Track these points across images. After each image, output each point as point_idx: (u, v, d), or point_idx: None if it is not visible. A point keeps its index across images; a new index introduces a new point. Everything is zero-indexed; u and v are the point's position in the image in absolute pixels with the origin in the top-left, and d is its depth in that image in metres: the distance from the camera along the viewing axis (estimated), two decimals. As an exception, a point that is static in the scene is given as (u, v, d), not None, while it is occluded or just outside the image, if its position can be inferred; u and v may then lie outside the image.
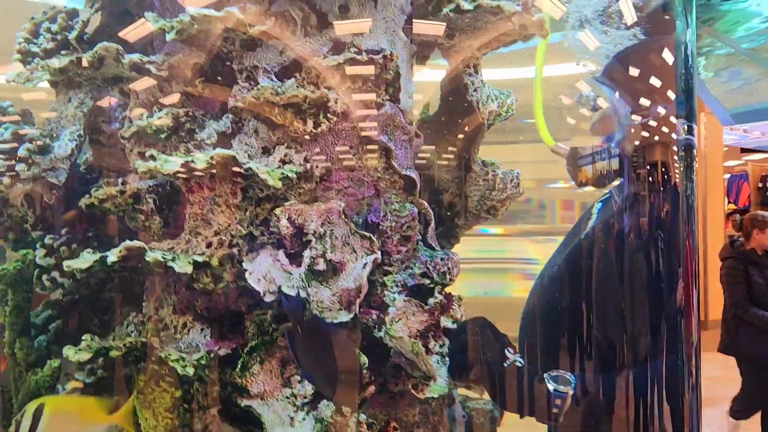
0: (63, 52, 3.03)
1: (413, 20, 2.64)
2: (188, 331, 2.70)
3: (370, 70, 2.53)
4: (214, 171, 2.48)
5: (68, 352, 2.54)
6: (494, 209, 3.12)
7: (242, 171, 2.45)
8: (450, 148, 3.13)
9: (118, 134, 2.84)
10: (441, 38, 2.84)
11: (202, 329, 2.69)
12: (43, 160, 2.94)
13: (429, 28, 2.64)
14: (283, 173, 2.47)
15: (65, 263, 2.49)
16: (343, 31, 2.55)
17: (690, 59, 2.64)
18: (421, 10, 2.78)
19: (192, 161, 2.41)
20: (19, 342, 2.73)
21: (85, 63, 2.56)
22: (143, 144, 2.81)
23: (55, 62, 2.57)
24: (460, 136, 3.07)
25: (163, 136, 2.66)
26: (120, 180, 2.86)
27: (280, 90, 2.51)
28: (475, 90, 2.96)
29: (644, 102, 2.58)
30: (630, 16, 2.60)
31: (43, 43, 3.04)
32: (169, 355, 2.50)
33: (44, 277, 3.00)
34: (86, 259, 2.45)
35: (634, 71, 2.59)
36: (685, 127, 2.57)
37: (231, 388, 2.55)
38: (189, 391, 2.72)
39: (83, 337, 2.63)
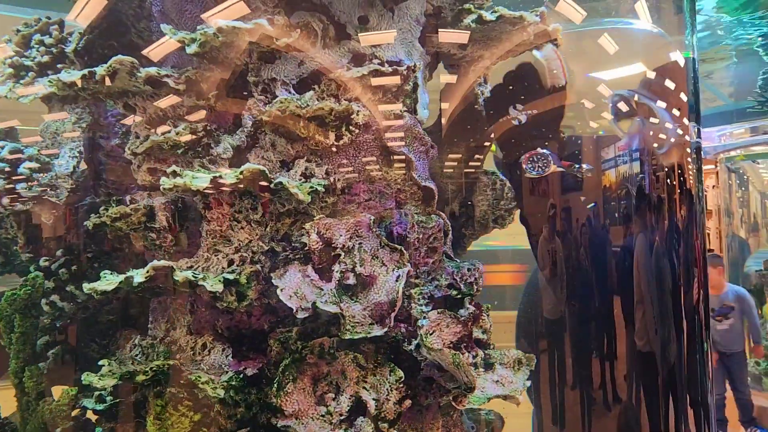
0: (59, 65, 2.91)
1: (439, 30, 2.64)
2: (209, 352, 2.62)
3: (395, 80, 2.52)
4: (242, 186, 2.41)
5: (91, 378, 2.42)
6: (502, 219, 3.15)
7: (271, 186, 2.39)
8: (457, 159, 3.15)
9: (126, 150, 2.73)
10: (453, 48, 2.85)
11: (223, 349, 2.61)
12: (43, 178, 2.80)
13: (454, 36, 2.64)
14: (311, 187, 2.43)
15: (86, 286, 2.37)
16: (367, 43, 2.53)
17: (696, 62, 2.74)
18: (437, 21, 2.80)
19: (221, 177, 2.34)
20: (29, 371, 2.58)
21: (97, 77, 2.45)
22: (153, 160, 2.72)
23: (66, 76, 2.45)
24: (469, 145, 3.08)
25: (180, 151, 2.58)
26: (128, 198, 2.75)
27: (305, 103, 2.47)
28: (483, 99, 2.98)
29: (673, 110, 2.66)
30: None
31: (37, 56, 2.90)
32: (199, 377, 2.41)
33: (43, 301, 2.86)
34: (111, 280, 2.34)
35: (669, 82, 2.66)
36: (696, 129, 2.66)
37: (262, 409, 2.48)
38: (209, 414, 2.63)
39: (102, 362, 2.52)
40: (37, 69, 2.85)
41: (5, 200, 2.71)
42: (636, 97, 2.86)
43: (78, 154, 2.86)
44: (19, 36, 3.01)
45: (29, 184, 2.73)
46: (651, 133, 2.74)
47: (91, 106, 2.95)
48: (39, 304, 2.69)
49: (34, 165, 2.73)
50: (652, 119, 2.74)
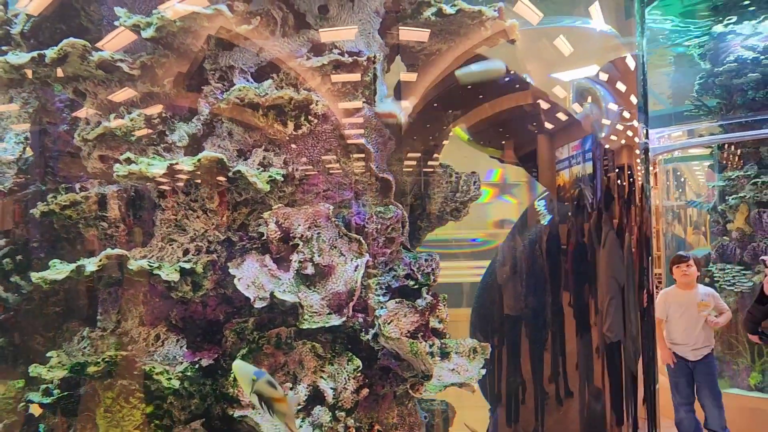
0: (3, 47, 2.80)
1: (400, 27, 2.65)
2: (162, 343, 2.56)
3: (355, 71, 2.52)
4: (199, 174, 2.37)
5: (39, 370, 2.34)
6: (457, 211, 3.19)
7: (229, 174, 2.36)
8: (412, 151, 3.17)
9: (76, 136, 2.65)
10: (412, 41, 2.87)
11: (177, 340, 2.56)
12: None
13: (414, 34, 2.66)
14: (270, 176, 2.41)
15: (34, 275, 2.29)
16: (328, 39, 2.52)
17: (645, 66, 2.83)
18: (396, 13, 2.81)
19: (177, 164, 2.30)
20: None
21: (47, 60, 2.38)
22: (105, 147, 2.65)
23: (14, 59, 2.36)
24: (426, 138, 3.11)
25: (133, 138, 2.52)
26: (78, 185, 2.68)
27: (264, 91, 2.45)
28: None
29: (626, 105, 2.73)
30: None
31: (-21, 38, 2.80)
32: (153, 368, 2.36)
33: (-14, 292, 2.76)
34: (61, 269, 2.27)
35: (620, 75, 2.74)
36: (645, 131, 2.74)
37: (217, 399, 2.45)
38: (161, 406, 2.58)
39: (51, 354, 2.44)
40: (-21, 51, 2.74)
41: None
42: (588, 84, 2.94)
43: (24, 140, 2.76)
44: (-40, 17, 2.89)
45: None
46: (599, 119, 2.81)
47: (38, 91, 2.85)
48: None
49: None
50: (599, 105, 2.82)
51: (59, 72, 2.60)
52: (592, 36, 2.82)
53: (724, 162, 9.32)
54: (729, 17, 7.75)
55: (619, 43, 2.89)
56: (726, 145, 9.24)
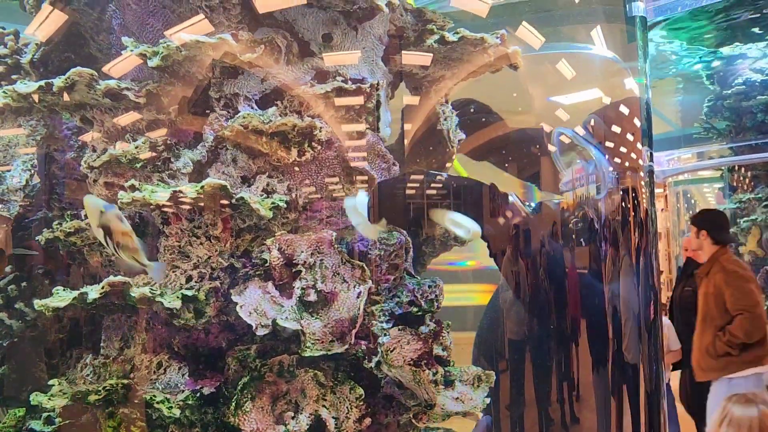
0: (14, 76, 2.84)
1: (403, 52, 2.67)
2: (164, 370, 2.56)
3: (358, 98, 2.53)
4: (202, 201, 2.38)
5: (40, 398, 2.34)
6: (462, 237, 3.17)
7: (232, 201, 2.37)
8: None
9: (82, 163, 2.67)
10: (416, 68, 2.88)
11: (179, 368, 2.55)
12: None
13: (417, 59, 2.68)
14: (273, 202, 2.42)
15: (37, 302, 2.30)
16: (332, 63, 2.54)
17: (648, 89, 2.83)
18: (399, 41, 2.83)
19: (181, 191, 2.31)
20: (-25, 390, 2.49)
21: (55, 88, 2.41)
22: (110, 174, 2.67)
23: (22, 87, 2.40)
24: (431, 164, 3.11)
25: (138, 165, 2.54)
26: (83, 212, 2.69)
27: (267, 118, 2.46)
28: (445, 119, 3.02)
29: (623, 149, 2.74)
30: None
31: (-10, 66, 2.84)
32: (154, 396, 2.35)
33: (-9, 318, 2.77)
34: (63, 296, 2.28)
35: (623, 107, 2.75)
36: (649, 153, 2.74)
37: (219, 428, 2.43)
38: (162, 436, 2.57)
39: (52, 382, 2.44)
40: (-10, 79, 2.79)
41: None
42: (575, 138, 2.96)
43: (31, 168, 2.79)
44: (-29, 46, 2.94)
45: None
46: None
47: (46, 119, 2.88)
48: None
49: (-16, 178, 2.66)
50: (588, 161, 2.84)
51: (66, 99, 2.64)
52: (593, 61, 2.83)
53: (735, 184, 9.28)
54: (736, 41, 7.77)
55: (621, 68, 2.90)
56: (736, 168, 9.21)
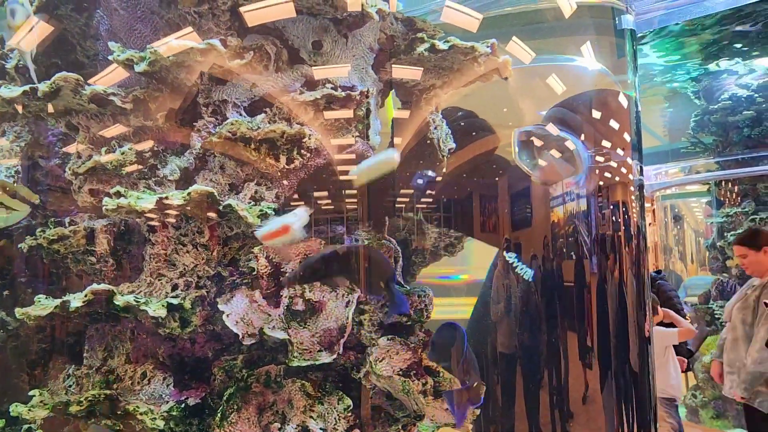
0: (-1, 81, 2.80)
1: (392, 63, 2.66)
2: (149, 381, 2.51)
3: (348, 105, 2.51)
4: (189, 208, 2.34)
5: (20, 409, 2.28)
6: (452, 246, 3.16)
7: (220, 209, 2.34)
8: (406, 186, 3.15)
9: (67, 170, 2.63)
10: (406, 76, 2.87)
11: (164, 378, 2.50)
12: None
13: (407, 72, 2.67)
14: (261, 210, 2.39)
15: (18, 311, 2.25)
16: (322, 75, 2.52)
17: (638, 103, 2.83)
18: (390, 49, 2.82)
19: (167, 198, 2.27)
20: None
21: (39, 93, 2.37)
22: (95, 181, 2.63)
23: (6, 92, 2.36)
24: (418, 173, 3.09)
25: (124, 172, 2.50)
26: (67, 220, 2.65)
27: (256, 125, 2.44)
28: (435, 128, 3.00)
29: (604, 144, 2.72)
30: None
31: (-26, 71, 2.80)
32: (137, 407, 2.30)
33: (-29, 328, 2.71)
34: (45, 305, 2.23)
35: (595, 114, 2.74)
36: (639, 167, 2.73)
37: (204, 440, 2.38)
38: None
39: (33, 393, 2.38)
40: (-26, 85, 2.74)
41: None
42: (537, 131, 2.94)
43: (15, 174, 2.74)
44: (-44, 51, 2.90)
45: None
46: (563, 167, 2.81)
47: (31, 125, 2.84)
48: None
49: (-34, 183, 2.61)
50: (558, 151, 2.81)
51: (52, 105, 2.60)
52: (583, 75, 2.83)
53: (722, 199, 9.32)
54: (722, 56, 7.84)
55: (612, 81, 2.90)
56: (723, 182, 9.26)
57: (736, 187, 9.19)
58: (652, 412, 2.81)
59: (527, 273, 2.75)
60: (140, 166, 2.51)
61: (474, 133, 3.03)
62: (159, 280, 2.51)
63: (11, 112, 2.77)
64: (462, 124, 3.01)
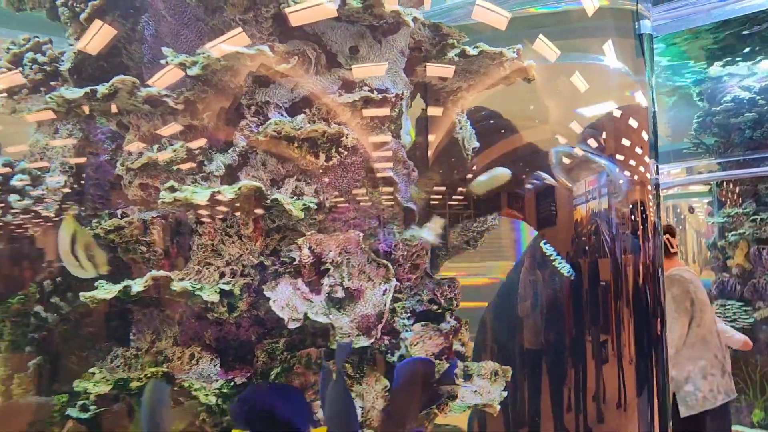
0: (52, 83, 2.99)
1: (427, 63, 2.84)
2: (197, 361, 2.69)
3: (385, 107, 2.69)
4: (238, 202, 2.53)
5: (84, 384, 2.46)
6: (474, 240, 3.34)
7: (267, 202, 2.52)
8: (432, 183, 3.33)
9: (119, 165, 2.82)
10: (434, 80, 3.05)
11: (211, 359, 2.69)
12: (33, 191, 2.86)
13: (441, 70, 2.85)
14: (304, 204, 2.57)
15: (83, 295, 2.43)
16: (360, 75, 2.70)
17: (655, 102, 3.02)
18: (418, 54, 3.01)
19: (219, 192, 2.46)
20: (18, 378, 2.61)
21: (99, 95, 2.55)
22: (146, 176, 2.81)
23: (69, 93, 2.54)
24: (445, 171, 3.27)
25: (175, 168, 2.68)
26: (119, 211, 2.83)
27: (298, 125, 2.62)
28: (461, 128, 3.19)
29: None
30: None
31: (30, 74, 2.98)
32: (192, 384, 2.48)
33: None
34: (108, 289, 2.41)
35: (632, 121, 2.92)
36: (656, 166, 2.91)
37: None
38: (193, 423, 2.70)
39: (93, 370, 2.57)
40: (30, 87, 2.92)
41: (-4, 212, 2.76)
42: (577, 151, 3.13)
43: (69, 169, 2.92)
44: (10, 54, 3.08)
45: (22, 194, 2.78)
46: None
47: (82, 123, 3.02)
48: (30, 314, 2.73)
49: (26, 178, 2.79)
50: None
51: (107, 106, 2.78)
52: (609, 74, 3.01)
53: (723, 199, 9.49)
54: (725, 59, 8.02)
55: (632, 80, 3.08)
56: (724, 183, 9.43)
57: (737, 188, 9.36)
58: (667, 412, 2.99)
59: (565, 268, 2.93)
60: (191, 163, 2.69)
61: (503, 131, 3.20)
62: (207, 268, 2.69)
63: (65, 112, 2.97)
64: (490, 123, 3.18)
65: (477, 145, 3.25)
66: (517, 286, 3.37)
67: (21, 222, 2.82)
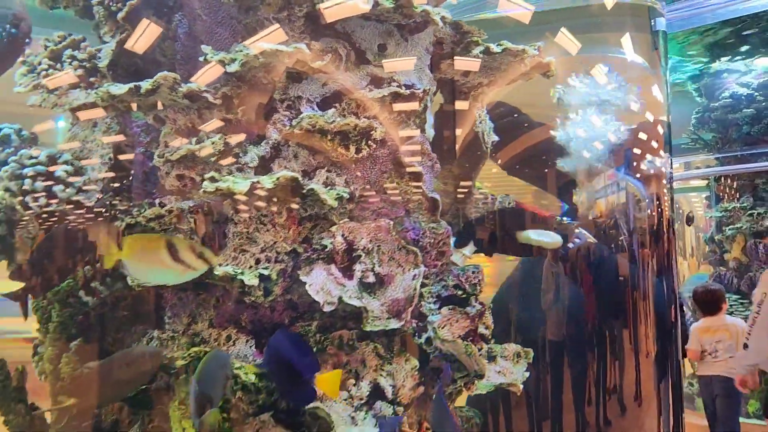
0: (92, 79, 3.11)
1: (455, 58, 2.98)
2: (234, 343, 2.83)
3: (413, 102, 2.83)
4: (276, 192, 2.66)
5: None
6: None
7: (303, 192, 2.66)
8: (451, 175, 3.48)
9: (157, 157, 2.95)
10: (457, 75, 3.19)
11: (247, 341, 2.83)
12: (75, 182, 2.99)
13: (467, 64, 2.99)
14: (338, 194, 2.71)
15: (130, 278, 2.57)
16: (390, 69, 2.84)
17: (669, 96, 3.17)
18: (440, 51, 3.15)
19: (258, 182, 2.60)
20: (66, 357, 2.75)
21: (142, 90, 2.68)
22: (183, 167, 2.94)
23: (114, 89, 2.66)
24: (465, 164, 3.42)
25: (213, 159, 2.82)
26: (158, 201, 2.96)
27: (331, 119, 2.76)
28: (480, 122, 3.33)
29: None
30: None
31: (69, 69, 3.10)
32: (232, 363, 2.62)
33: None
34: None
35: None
36: (670, 161, 3.06)
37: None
38: (230, 400, 2.83)
39: (137, 351, 2.71)
40: (71, 82, 3.05)
41: (42, 201, 2.88)
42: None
43: (108, 161, 3.05)
44: (48, 51, 3.20)
45: (66, 184, 2.91)
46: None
47: (119, 117, 3.15)
48: (77, 296, 2.87)
49: (70, 169, 2.92)
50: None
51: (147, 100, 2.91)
52: (625, 65, 3.15)
53: (721, 194, 9.62)
54: (724, 56, 8.16)
55: (648, 73, 3.23)
56: (722, 178, 9.57)
57: (734, 183, 9.49)
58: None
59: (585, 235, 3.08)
60: (227, 155, 2.83)
61: (527, 125, 3.35)
62: (243, 254, 2.83)
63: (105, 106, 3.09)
64: (513, 117, 3.33)
65: (496, 138, 3.40)
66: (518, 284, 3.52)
67: (65, 211, 2.95)
